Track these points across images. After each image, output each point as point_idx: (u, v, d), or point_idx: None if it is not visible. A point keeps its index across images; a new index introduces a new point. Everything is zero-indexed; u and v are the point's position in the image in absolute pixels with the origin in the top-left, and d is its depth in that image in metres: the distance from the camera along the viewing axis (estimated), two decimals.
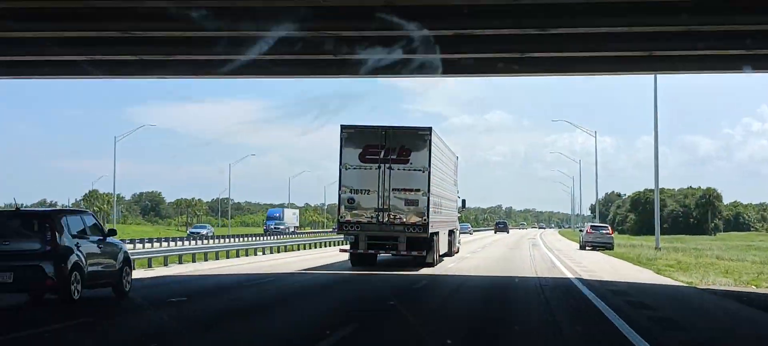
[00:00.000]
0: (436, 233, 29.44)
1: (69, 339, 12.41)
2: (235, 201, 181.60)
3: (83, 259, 16.72)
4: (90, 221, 18.22)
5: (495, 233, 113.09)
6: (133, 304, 17.16)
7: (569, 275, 25.99)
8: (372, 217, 27.33)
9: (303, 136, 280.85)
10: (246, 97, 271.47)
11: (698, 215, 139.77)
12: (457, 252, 39.86)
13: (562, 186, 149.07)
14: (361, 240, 27.57)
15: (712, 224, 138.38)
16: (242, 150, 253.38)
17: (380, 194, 27.26)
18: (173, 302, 17.05)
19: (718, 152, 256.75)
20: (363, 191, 27.41)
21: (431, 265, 28.23)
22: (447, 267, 28.91)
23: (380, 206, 27.26)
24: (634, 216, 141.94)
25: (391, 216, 27.27)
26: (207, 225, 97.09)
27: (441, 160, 30.83)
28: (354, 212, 27.42)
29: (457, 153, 39.16)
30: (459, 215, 42.41)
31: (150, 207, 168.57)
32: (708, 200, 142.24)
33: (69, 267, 16.20)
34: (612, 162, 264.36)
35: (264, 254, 42.76)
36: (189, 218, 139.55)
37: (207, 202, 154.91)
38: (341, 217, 27.76)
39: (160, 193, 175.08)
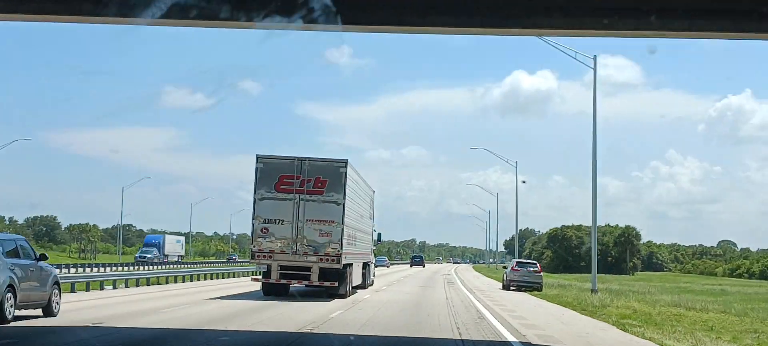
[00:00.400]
0: (350, 265, 29.63)
1: None
2: (138, 228, 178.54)
3: (17, 281, 17.40)
4: (23, 244, 19.04)
5: (411, 266, 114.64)
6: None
7: (510, 337, 17.44)
8: (285, 247, 27.40)
9: (217, 165, 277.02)
10: (159, 125, 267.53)
11: (616, 253, 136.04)
12: (372, 285, 40.08)
13: (477, 221, 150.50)
14: (274, 270, 27.59)
15: (631, 263, 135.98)
16: (157, 176, 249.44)
17: (294, 224, 27.37)
18: None
19: (627, 194, 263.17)
20: (277, 221, 27.48)
21: (344, 296, 28.36)
22: (357, 299, 29.03)
23: (294, 237, 27.36)
24: (551, 252, 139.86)
25: (305, 246, 27.38)
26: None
27: (356, 193, 31.10)
28: (267, 241, 27.44)
29: (373, 187, 39.53)
30: (374, 247, 42.70)
31: (44, 232, 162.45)
32: (627, 239, 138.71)
33: (4, 288, 16.82)
34: (524, 200, 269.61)
35: (138, 286, 37.55)
36: (83, 244, 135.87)
37: (104, 228, 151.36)
38: (254, 246, 27.76)
39: (55, 217, 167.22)
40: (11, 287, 17.16)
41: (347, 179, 27.89)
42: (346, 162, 28.07)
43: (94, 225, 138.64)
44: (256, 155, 27.94)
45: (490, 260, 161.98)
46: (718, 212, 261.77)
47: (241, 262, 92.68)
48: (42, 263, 19.15)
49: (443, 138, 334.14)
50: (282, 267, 27.59)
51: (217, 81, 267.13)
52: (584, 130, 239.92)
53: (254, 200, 27.78)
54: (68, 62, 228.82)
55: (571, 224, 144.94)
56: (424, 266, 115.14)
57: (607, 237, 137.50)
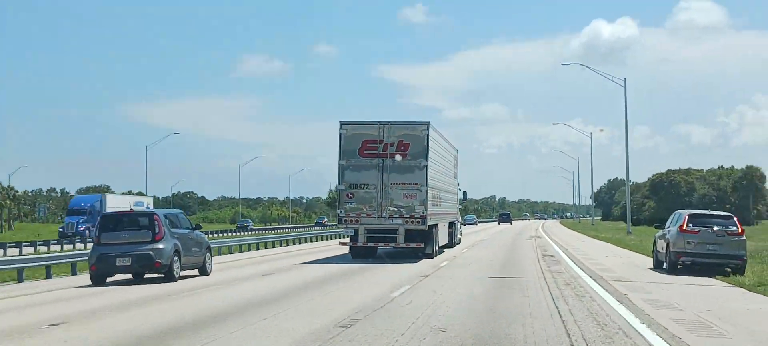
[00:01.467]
0: (435, 226, 30.00)
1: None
2: (199, 195, 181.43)
3: (181, 247, 21.71)
4: (182, 217, 23.65)
5: (498, 224, 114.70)
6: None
7: None
8: (371, 210, 27.93)
9: (296, 132, 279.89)
10: (237, 94, 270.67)
11: (737, 199, 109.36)
12: (459, 243, 40.43)
13: (563, 177, 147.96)
14: (361, 233, 28.17)
15: (755, 211, 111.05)
16: (237, 145, 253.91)
17: (379, 188, 27.85)
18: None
19: (713, 139, 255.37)
20: (362, 186, 28.01)
21: (430, 256, 28.78)
22: (447, 257, 29.38)
23: (379, 200, 27.85)
24: (654, 203, 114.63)
25: (390, 209, 27.86)
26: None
27: (439, 154, 31.37)
28: (353, 205, 28.02)
29: (456, 146, 39.70)
30: (460, 206, 42.96)
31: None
32: (750, 181, 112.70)
33: (171, 253, 21.19)
34: (606, 152, 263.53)
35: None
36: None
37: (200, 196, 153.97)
38: (341, 211, 28.38)
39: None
40: (177, 253, 21.43)
41: (430, 141, 28.18)
42: (427, 124, 28.34)
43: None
44: (340, 122, 28.45)
45: (578, 215, 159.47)
46: None
47: (329, 225, 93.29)
48: (196, 232, 23.66)
49: (522, 93, 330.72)
50: (369, 230, 28.15)
51: (292, 46, 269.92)
52: (667, 77, 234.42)
53: (339, 166, 28.35)
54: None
55: (678, 168, 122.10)
56: (511, 223, 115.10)
57: (723, 181, 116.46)
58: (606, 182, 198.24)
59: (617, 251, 36.16)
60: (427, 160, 27.96)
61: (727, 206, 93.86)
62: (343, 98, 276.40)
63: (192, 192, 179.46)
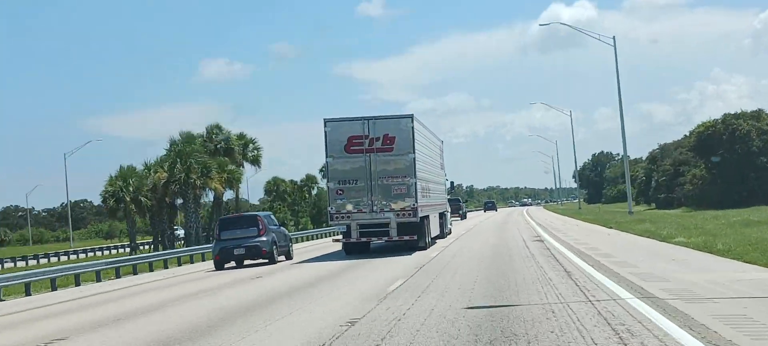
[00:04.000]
0: (427, 217, 30.07)
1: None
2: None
3: (276, 239, 29.50)
4: (272, 216, 32.43)
5: (485, 212, 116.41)
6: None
7: None
8: (362, 205, 27.98)
9: (263, 134, 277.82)
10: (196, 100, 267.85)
11: None
12: (450, 233, 40.52)
13: (541, 161, 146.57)
14: (353, 229, 28.21)
15: None
16: None
17: (368, 182, 27.90)
18: None
19: (675, 117, 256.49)
20: (351, 181, 28.06)
21: (424, 248, 28.83)
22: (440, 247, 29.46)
23: (369, 195, 27.90)
24: (704, 168, 71.61)
25: (381, 203, 27.91)
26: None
27: (426, 146, 31.44)
28: (344, 202, 28.05)
29: (440, 137, 39.78)
30: (448, 196, 43.06)
31: None
32: None
33: (271, 243, 28.94)
34: (574, 134, 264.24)
35: None
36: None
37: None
38: (332, 207, 28.41)
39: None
40: (274, 243, 29.14)
41: (415, 133, 28.25)
42: (412, 116, 28.43)
43: None
44: (324, 120, 28.46)
45: (562, 199, 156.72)
46: None
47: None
48: (282, 228, 32.69)
49: (485, 82, 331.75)
50: (361, 226, 28.18)
51: (252, 48, 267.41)
52: (628, 57, 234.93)
53: (326, 163, 28.48)
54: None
55: (741, 111, 73.17)
56: (496, 210, 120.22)
57: None
58: (590, 157, 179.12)
59: (625, 237, 29.41)
60: (414, 152, 28.03)
61: None
62: (306, 97, 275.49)
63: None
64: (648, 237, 27.10)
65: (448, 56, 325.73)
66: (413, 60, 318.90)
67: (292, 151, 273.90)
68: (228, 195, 63.83)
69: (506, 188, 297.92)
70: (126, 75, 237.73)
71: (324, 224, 71.41)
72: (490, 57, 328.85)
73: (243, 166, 65.30)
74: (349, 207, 28.04)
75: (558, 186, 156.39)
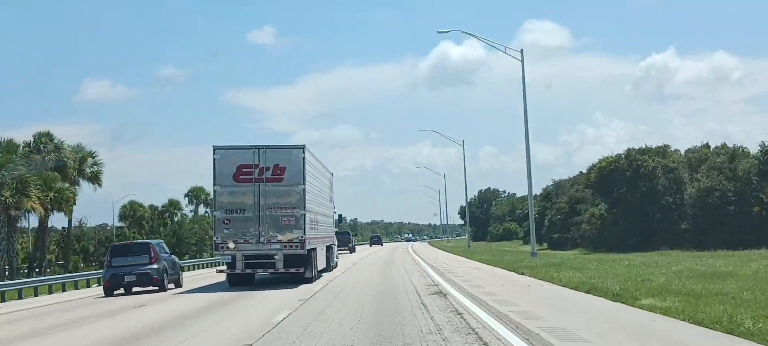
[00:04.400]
0: (314, 249, 29.74)
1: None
2: None
3: (167, 267, 29.89)
4: (163, 244, 32.25)
5: (371, 245, 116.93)
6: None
7: None
8: (248, 236, 27.43)
9: (141, 159, 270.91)
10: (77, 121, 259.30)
11: None
12: (336, 266, 40.25)
13: (427, 195, 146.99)
14: (238, 260, 27.62)
15: None
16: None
17: (256, 212, 27.40)
18: None
19: (557, 159, 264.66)
20: (238, 211, 27.50)
21: (310, 281, 28.46)
22: (325, 280, 29.14)
23: (256, 225, 27.40)
24: (604, 208, 70.62)
25: (268, 234, 27.43)
26: None
27: (316, 177, 31.18)
28: (230, 231, 27.45)
29: (331, 170, 39.61)
30: (335, 229, 42.84)
31: None
32: None
33: (162, 271, 29.25)
34: (456, 171, 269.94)
35: None
36: None
37: None
38: (217, 237, 27.75)
39: None
40: (165, 270, 29.79)
41: (306, 165, 27.95)
42: (303, 147, 28.13)
43: None
44: (213, 147, 27.87)
45: (446, 235, 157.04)
46: None
47: None
48: (172, 256, 32.98)
49: (374, 115, 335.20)
50: (246, 257, 27.61)
51: (137, 71, 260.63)
52: (513, 97, 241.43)
53: (214, 191, 27.85)
54: None
55: (647, 146, 69.98)
56: (381, 245, 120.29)
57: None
58: (476, 193, 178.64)
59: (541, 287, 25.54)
60: (305, 184, 27.72)
61: None
62: (192, 123, 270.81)
63: None
64: (586, 292, 19.20)
65: (337, 88, 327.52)
66: (302, 90, 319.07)
67: (172, 175, 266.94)
68: (59, 219, 54.28)
69: (390, 222, 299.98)
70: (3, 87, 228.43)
71: (185, 256, 69.84)
72: (380, 91, 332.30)
73: (78, 185, 55.57)
74: (236, 237, 27.45)
75: (445, 222, 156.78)
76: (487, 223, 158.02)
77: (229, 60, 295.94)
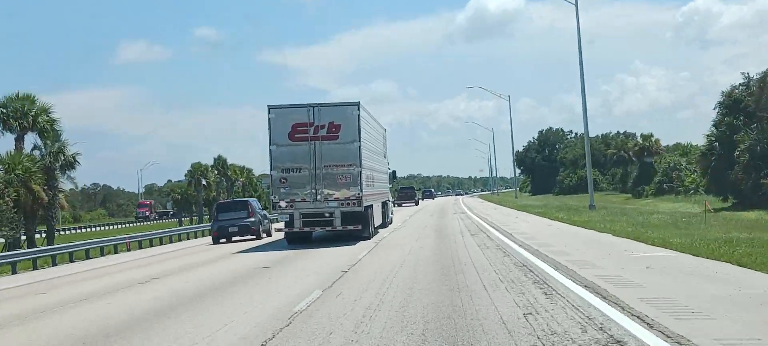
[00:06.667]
0: (370, 206, 29.66)
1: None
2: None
3: (261, 220, 35.79)
4: (257, 202, 38.60)
5: (423, 199, 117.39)
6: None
7: None
8: (305, 194, 27.43)
9: (183, 119, 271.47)
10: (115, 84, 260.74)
11: None
12: (391, 222, 40.20)
13: (476, 149, 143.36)
14: (296, 218, 27.64)
15: None
16: (120, 137, 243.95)
17: (312, 171, 27.35)
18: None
19: (596, 109, 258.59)
20: (295, 169, 27.47)
21: (368, 238, 28.42)
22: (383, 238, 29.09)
23: (313, 183, 27.36)
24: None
25: (325, 192, 27.39)
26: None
27: (370, 134, 30.99)
28: (287, 190, 27.46)
29: (384, 125, 39.39)
30: (390, 185, 42.73)
31: None
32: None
33: (258, 223, 35.14)
34: (497, 124, 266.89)
35: None
36: None
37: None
38: (275, 196, 27.79)
39: None
40: (260, 223, 35.97)
41: (361, 121, 27.76)
42: (358, 104, 27.91)
43: None
44: (268, 106, 27.80)
45: (495, 189, 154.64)
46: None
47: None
48: (264, 211, 38.30)
49: (411, 70, 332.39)
50: (304, 215, 27.63)
51: (172, 31, 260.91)
52: (553, 48, 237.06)
53: (270, 151, 27.74)
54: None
55: None
56: (433, 199, 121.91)
57: None
58: (536, 136, 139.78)
59: None
60: (360, 141, 27.55)
61: None
62: (229, 83, 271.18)
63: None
64: None
65: (373, 44, 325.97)
66: (338, 47, 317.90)
67: (209, 138, 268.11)
68: None
69: (428, 176, 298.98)
70: (39, 58, 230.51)
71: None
72: (416, 45, 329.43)
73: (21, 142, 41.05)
74: (293, 196, 27.47)
75: (495, 174, 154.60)
76: (554, 171, 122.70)
77: (266, 20, 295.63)
